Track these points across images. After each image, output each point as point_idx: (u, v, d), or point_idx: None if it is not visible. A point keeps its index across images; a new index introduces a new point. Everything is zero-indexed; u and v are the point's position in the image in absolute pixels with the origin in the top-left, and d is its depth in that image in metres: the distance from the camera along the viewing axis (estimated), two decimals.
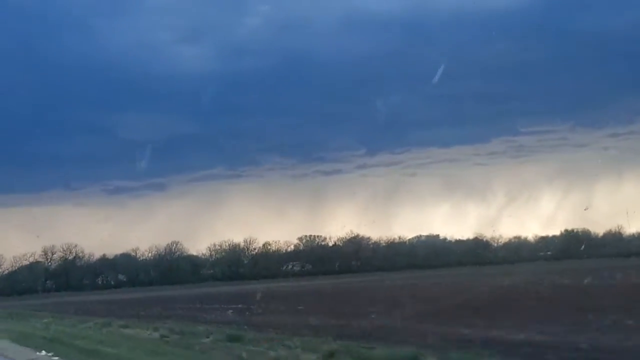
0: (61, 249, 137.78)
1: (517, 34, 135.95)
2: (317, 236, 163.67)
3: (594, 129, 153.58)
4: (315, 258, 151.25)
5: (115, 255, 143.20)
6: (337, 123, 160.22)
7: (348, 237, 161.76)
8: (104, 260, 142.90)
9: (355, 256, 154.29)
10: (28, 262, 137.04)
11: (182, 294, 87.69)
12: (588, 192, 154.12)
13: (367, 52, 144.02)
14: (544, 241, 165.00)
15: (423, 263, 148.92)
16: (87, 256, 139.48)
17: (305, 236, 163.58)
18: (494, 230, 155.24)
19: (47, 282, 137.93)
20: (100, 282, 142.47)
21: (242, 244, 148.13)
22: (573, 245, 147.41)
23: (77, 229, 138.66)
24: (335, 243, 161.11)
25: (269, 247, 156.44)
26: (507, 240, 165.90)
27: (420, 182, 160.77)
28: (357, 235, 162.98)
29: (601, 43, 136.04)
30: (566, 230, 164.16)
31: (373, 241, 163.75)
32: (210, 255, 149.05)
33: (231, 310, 43.71)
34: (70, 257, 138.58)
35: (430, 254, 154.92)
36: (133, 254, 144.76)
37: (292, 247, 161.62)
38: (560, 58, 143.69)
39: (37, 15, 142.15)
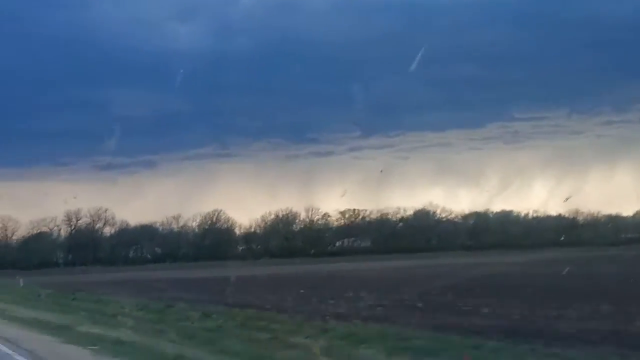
0: (88, 214, 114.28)
1: (515, 19, 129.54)
2: (362, 210, 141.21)
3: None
4: (386, 233, 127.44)
5: (136, 227, 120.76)
6: (332, 105, 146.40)
7: (415, 211, 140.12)
8: (134, 230, 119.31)
9: (433, 232, 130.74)
10: (48, 229, 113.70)
11: (266, 274, 63.76)
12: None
13: (362, 34, 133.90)
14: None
15: (513, 242, 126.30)
16: (119, 223, 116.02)
17: (348, 210, 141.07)
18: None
19: (70, 253, 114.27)
20: (131, 255, 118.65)
21: (302, 214, 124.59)
22: None
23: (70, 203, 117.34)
24: (402, 217, 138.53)
25: (329, 218, 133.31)
26: (595, 217, 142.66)
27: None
28: (425, 209, 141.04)
29: (597, 30, 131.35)
30: None
31: (445, 216, 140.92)
32: (261, 226, 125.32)
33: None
34: (99, 224, 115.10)
35: (518, 232, 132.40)
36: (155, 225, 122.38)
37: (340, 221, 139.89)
38: (557, 44, 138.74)
39: None
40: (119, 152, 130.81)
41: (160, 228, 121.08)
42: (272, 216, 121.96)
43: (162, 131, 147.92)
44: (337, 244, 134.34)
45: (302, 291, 37.40)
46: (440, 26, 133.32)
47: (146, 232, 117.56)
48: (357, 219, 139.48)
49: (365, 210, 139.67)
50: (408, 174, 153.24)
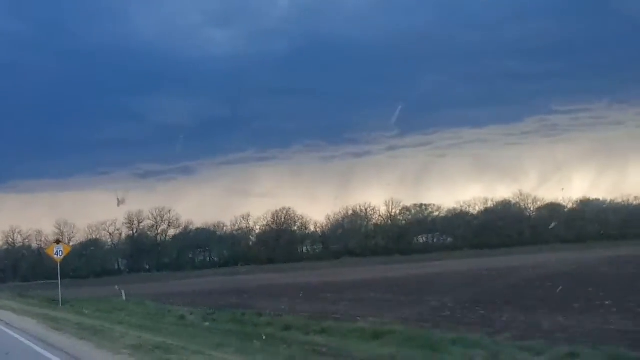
0: (150, 215, 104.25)
1: (552, 10, 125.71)
2: (429, 205, 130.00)
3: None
4: (473, 227, 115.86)
5: (198, 229, 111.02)
6: (368, 104, 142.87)
7: (497, 203, 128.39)
8: (197, 233, 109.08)
9: (523, 225, 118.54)
10: (108, 232, 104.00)
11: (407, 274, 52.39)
12: None
13: (399, 31, 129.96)
14: None
15: (619, 233, 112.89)
16: (184, 224, 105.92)
17: (415, 205, 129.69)
18: None
19: (132, 259, 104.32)
20: (197, 260, 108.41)
21: (382, 209, 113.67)
22: None
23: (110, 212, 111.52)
24: (485, 208, 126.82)
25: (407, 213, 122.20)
26: None
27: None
28: (507, 200, 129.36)
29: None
30: None
31: (523, 208, 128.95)
32: (333, 224, 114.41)
33: None
34: (163, 227, 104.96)
35: (618, 222, 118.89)
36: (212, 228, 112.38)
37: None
38: (596, 34, 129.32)
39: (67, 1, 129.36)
40: (157, 159, 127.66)
41: (225, 230, 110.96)
42: (349, 212, 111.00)
43: (199, 137, 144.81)
44: (419, 240, 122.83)
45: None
46: (476, 20, 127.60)
47: (210, 235, 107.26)
48: (427, 214, 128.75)
49: (433, 205, 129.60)
50: (446, 171, 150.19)
